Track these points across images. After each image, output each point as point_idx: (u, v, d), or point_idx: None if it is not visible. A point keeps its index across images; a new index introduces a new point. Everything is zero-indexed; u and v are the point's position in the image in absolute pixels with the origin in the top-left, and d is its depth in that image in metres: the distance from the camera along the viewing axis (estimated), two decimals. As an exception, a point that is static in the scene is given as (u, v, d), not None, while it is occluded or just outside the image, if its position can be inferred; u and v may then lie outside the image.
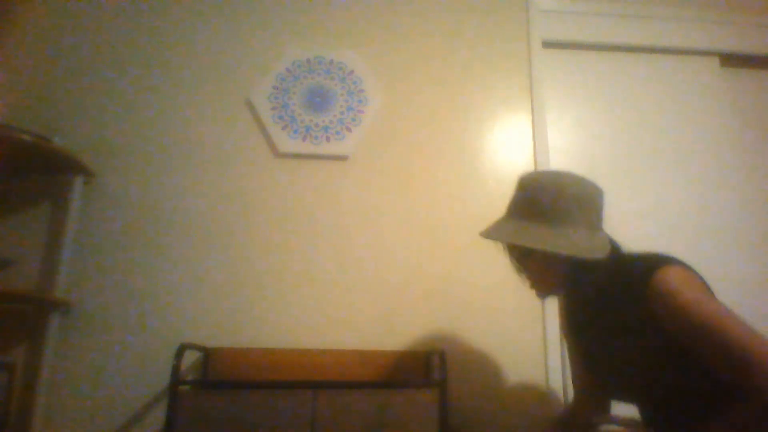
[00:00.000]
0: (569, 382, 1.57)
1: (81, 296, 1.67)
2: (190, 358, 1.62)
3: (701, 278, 1.08)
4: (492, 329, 1.74)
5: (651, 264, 1.06)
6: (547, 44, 2.10)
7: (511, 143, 1.94)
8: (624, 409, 1.23)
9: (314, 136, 1.86)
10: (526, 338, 1.74)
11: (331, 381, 1.60)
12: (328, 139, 1.86)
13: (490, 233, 1.17)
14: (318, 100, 1.90)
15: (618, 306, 1.10)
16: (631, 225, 1.92)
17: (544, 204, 1.10)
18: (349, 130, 1.88)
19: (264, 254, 1.75)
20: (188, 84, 1.90)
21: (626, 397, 1.20)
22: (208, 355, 1.61)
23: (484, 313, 1.75)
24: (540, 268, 1.17)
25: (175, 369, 1.35)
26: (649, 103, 2.08)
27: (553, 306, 1.76)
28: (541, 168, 1.90)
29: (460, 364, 1.69)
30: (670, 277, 1.02)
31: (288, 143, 1.85)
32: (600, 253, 1.07)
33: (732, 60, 2.18)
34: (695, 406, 1.03)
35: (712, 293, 1.07)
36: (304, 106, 1.89)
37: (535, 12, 2.09)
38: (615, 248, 1.14)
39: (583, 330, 1.25)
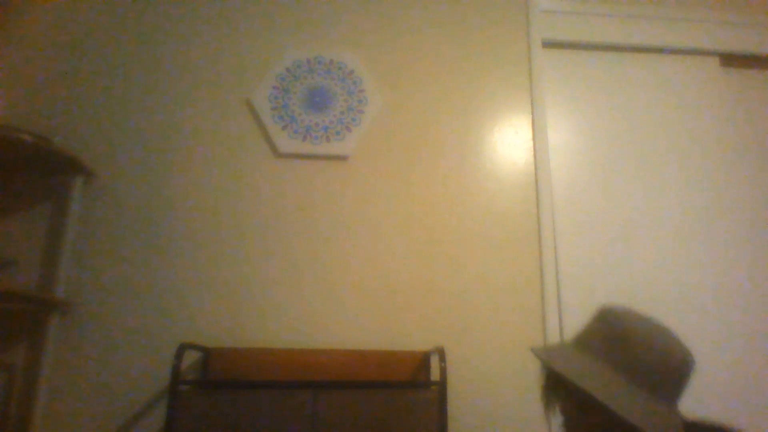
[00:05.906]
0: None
1: (81, 296, 1.67)
2: (190, 358, 1.62)
3: None
4: (492, 329, 1.74)
5: None
6: (547, 44, 2.10)
7: (511, 143, 1.94)
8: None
9: (314, 136, 1.86)
10: (526, 338, 1.73)
11: (331, 381, 1.59)
12: (328, 139, 1.86)
13: (570, 372, 0.92)
14: (318, 100, 1.90)
15: None
16: (631, 225, 1.92)
17: (643, 366, 0.91)
18: (349, 130, 1.88)
19: (264, 254, 1.75)
20: (188, 84, 1.90)
21: None
22: (208, 355, 1.61)
23: (484, 312, 1.75)
24: (596, 421, 0.94)
25: (175, 369, 1.35)
26: (649, 103, 2.08)
27: (553, 306, 1.76)
28: (545, 171, 1.90)
29: (460, 364, 1.69)
30: None
31: (288, 143, 1.85)
32: None
33: (732, 60, 2.18)
34: None
35: None
36: (304, 106, 1.89)
37: (535, 12, 2.09)
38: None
39: None
